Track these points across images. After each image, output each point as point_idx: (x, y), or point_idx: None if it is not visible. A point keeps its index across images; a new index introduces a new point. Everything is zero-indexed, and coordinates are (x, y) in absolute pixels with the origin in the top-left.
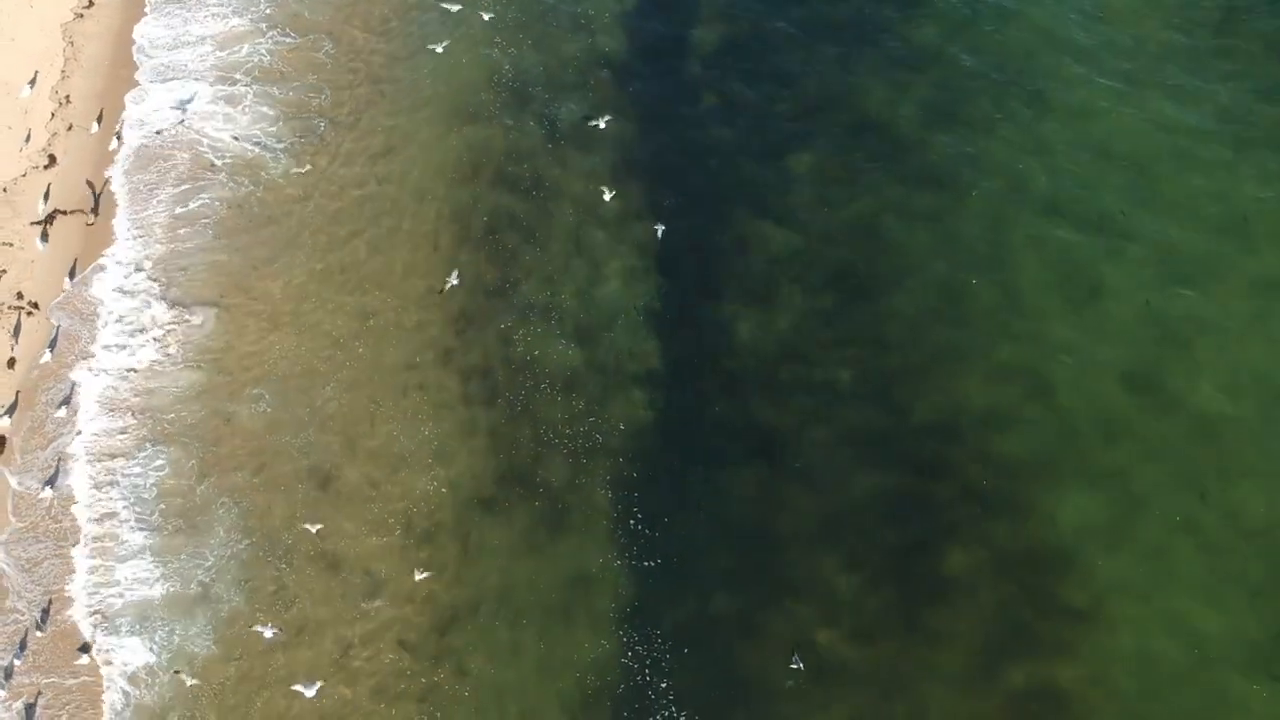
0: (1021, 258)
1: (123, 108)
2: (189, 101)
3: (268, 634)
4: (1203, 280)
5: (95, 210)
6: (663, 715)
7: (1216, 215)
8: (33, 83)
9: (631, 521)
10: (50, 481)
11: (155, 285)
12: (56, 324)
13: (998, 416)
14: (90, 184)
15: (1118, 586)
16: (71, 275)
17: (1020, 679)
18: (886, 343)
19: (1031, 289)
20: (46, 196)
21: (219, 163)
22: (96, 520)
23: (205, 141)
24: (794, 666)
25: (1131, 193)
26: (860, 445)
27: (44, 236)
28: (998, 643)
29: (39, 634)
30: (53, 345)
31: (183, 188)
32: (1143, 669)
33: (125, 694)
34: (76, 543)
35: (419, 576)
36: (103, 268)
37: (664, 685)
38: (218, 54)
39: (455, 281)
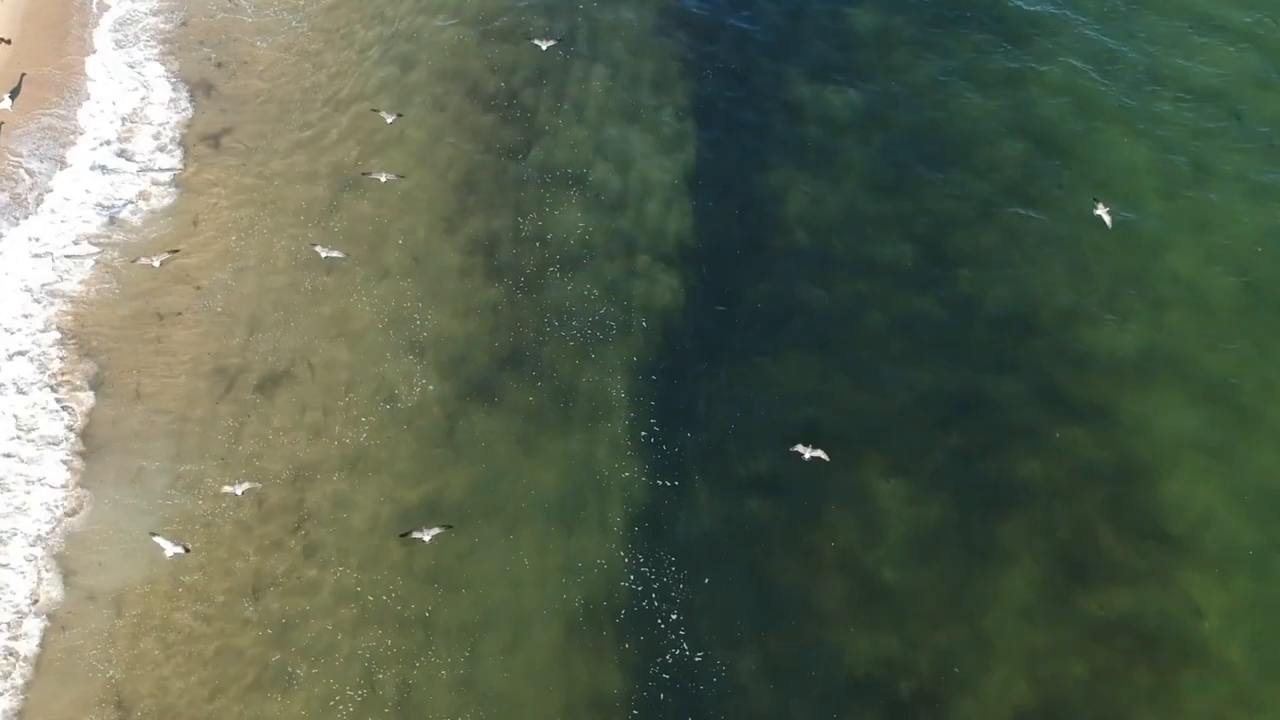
0: (1112, 133)
1: None
2: None
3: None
4: None
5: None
6: (673, 653)
7: None
8: None
9: (650, 418)
10: None
11: None
12: None
13: (1082, 308)
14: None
15: (1220, 511)
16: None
17: (1098, 610)
18: (954, 221)
19: (1123, 168)
20: None
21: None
22: None
23: None
24: None
25: (1243, 70)
26: (920, 335)
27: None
28: (1074, 567)
29: None
30: None
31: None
32: (1247, 607)
33: None
34: None
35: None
36: None
37: (675, 616)
38: None
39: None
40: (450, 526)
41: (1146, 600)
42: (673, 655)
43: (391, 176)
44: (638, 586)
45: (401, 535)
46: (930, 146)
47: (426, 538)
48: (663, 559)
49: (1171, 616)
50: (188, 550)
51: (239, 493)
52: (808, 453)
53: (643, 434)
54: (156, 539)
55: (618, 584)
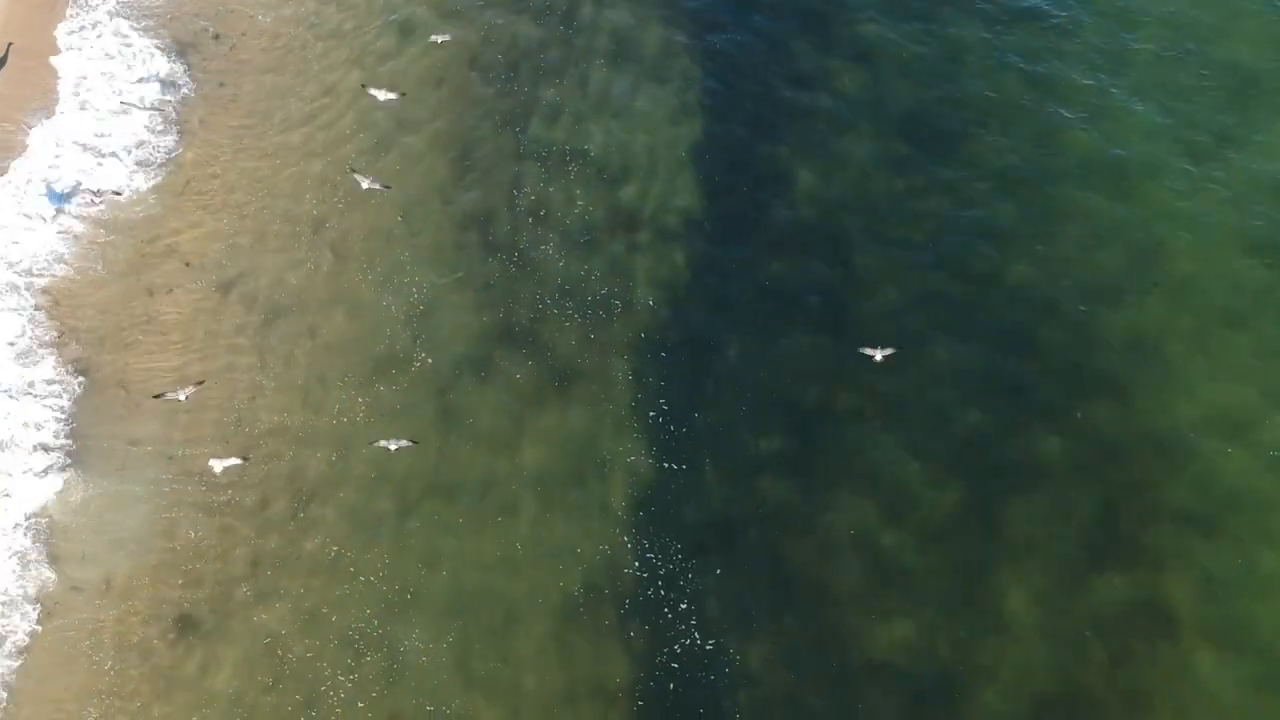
0: (1131, 106)
1: None
2: None
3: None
4: None
5: None
6: (682, 643)
7: None
8: None
9: (656, 398)
10: None
11: None
12: None
13: (1101, 285)
14: None
15: (1244, 492)
16: None
17: (1118, 593)
18: (968, 196)
19: (1143, 139)
20: None
21: None
22: None
23: None
24: None
25: (1271, 40)
26: (935, 312)
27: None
28: (1093, 550)
29: None
30: None
31: None
32: (1271, 587)
33: None
34: None
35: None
36: None
37: (684, 606)
38: None
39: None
40: (416, 441)
41: (1168, 582)
42: (681, 644)
43: (391, 96)
44: (642, 572)
45: (370, 443)
46: (944, 121)
47: (392, 447)
48: (669, 544)
49: (1194, 598)
50: (247, 459)
51: (182, 397)
52: (878, 353)
53: (649, 414)
54: (211, 461)
55: (620, 569)
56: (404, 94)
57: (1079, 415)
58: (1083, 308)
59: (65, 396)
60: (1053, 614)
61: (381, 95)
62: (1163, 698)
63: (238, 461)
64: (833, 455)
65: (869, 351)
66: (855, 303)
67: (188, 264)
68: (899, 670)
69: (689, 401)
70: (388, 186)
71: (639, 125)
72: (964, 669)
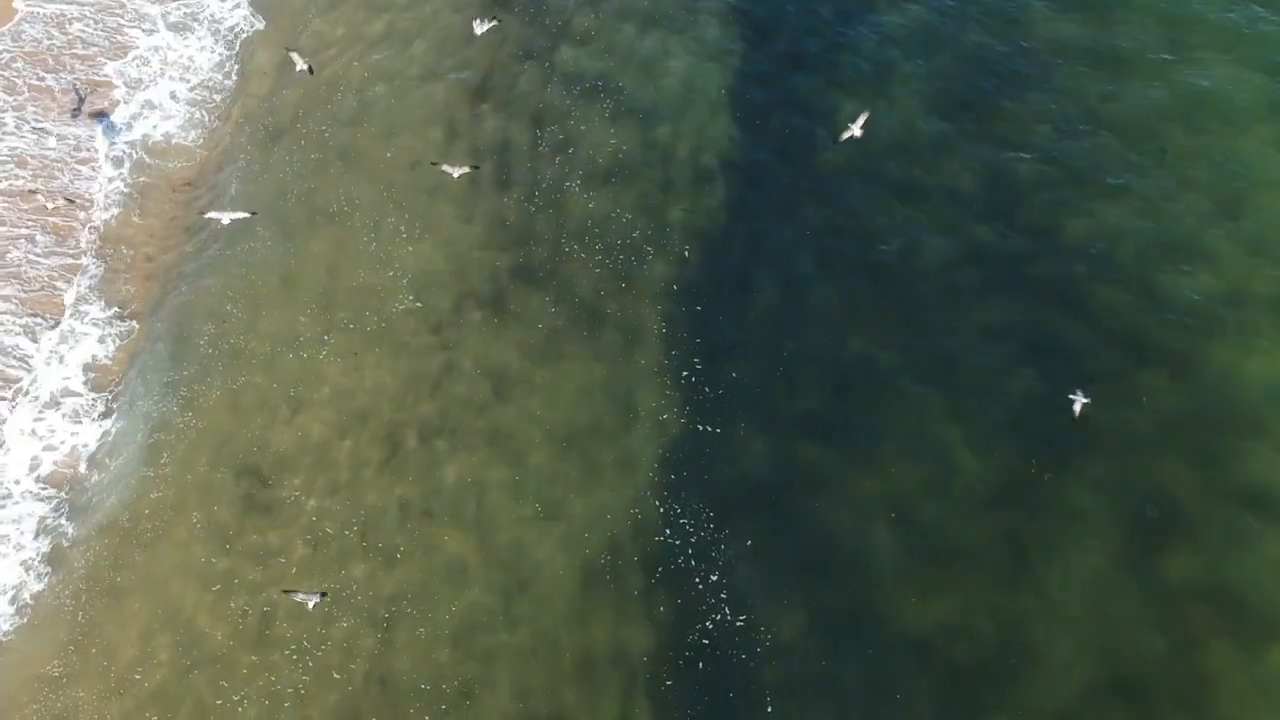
0: (1206, 54)
1: None
2: None
3: None
4: None
5: None
6: (713, 619)
7: None
8: None
9: (687, 350)
10: None
11: None
12: None
13: (1166, 244)
14: None
15: None
16: None
17: (1178, 573)
18: (1024, 144)
19: (1214, 91)
20: None
21: None
22: None
23: None
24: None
25: None
26: (985, 268)
27: None
28: (1151, 528)
29: None
30: None
31: None
32: None
33: None
34: None
35: None
36: None
37: (714, 578)
38: None
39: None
40: (477, 166)
41: (1233, 565)
42: (710, 615)
43: (464, 169)
44: (670, 538)
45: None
46: (1000, 66)
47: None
48: (699, 508)
49: (1261, 583)
50: (254, 214)
51: (50, 206)
52: (856, 128)
53: (679, 368)
54: (214, 213)
55: (646, 533)
56: (501, 20)
57: (1137, 383)
58: (1146, 267)
59: (112, 341)
60: (1105, 596)
61: (456, 171)
62: (1224, 689)
63: (245, 216)
64: (873, 418)
65: (846, 133)
66: (899, 255)
67: (220, 213)
68: (938, 650)
69: (723, 356)
70: (502, 20)
71: (674, 60)
72: (1008, 651)
